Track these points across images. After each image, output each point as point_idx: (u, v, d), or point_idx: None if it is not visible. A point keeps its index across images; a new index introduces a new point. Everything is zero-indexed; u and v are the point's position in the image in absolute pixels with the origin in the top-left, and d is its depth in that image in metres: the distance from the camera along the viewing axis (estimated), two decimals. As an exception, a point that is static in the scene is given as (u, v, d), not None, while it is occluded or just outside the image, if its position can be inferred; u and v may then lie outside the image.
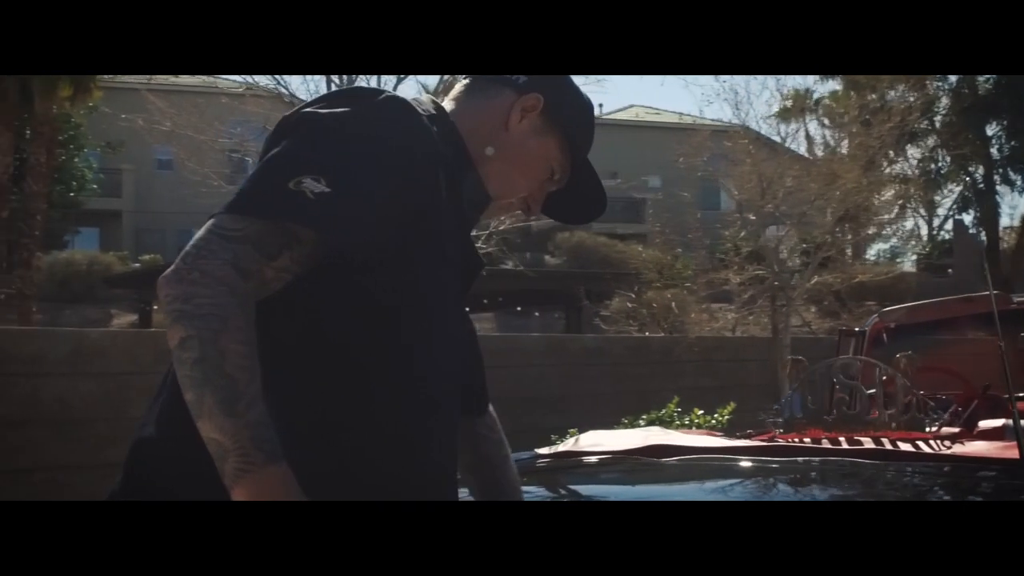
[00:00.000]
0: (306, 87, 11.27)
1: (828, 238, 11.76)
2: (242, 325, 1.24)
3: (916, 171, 25.61)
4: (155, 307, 15.63)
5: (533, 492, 2.23)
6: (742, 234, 12.32)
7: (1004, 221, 30.67)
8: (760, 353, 11.10)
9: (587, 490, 2.59)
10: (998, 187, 26.98)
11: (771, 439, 2.91)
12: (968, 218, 27.70)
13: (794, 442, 2.80)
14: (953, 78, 24.50)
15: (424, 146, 1.43)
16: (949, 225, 29.26)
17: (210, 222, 1.30)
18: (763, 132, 13.63)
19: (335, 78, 9.28)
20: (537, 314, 22.09)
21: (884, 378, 2.89)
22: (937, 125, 26.09)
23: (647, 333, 12.75)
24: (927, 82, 19.06)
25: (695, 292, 13.44)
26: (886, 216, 17.11)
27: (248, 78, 10.79)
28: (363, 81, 9.46)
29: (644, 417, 7.22)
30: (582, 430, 3.21)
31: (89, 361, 6.55)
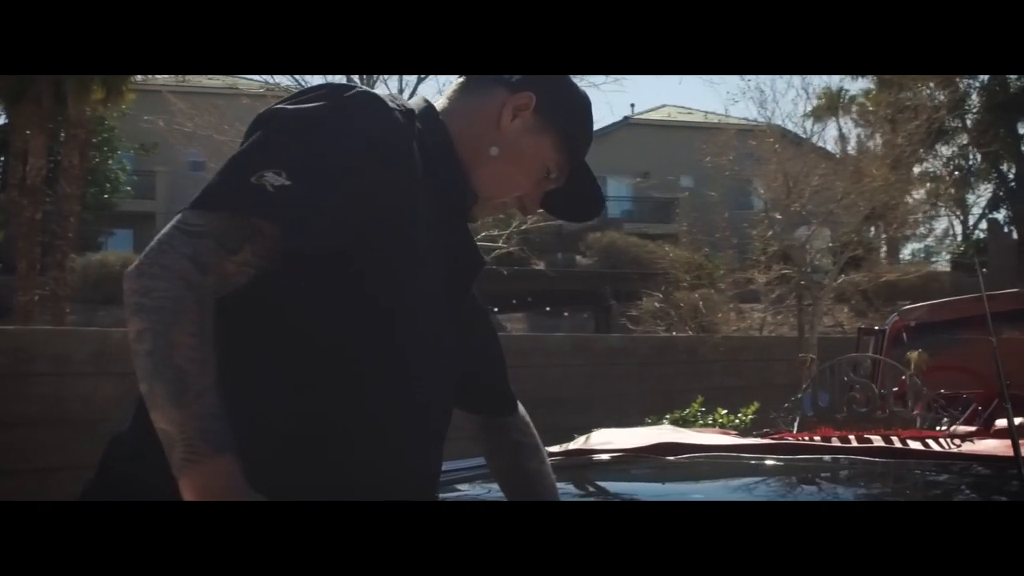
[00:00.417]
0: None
1: (854, 237, 11.67)
2: (195, 318, 1.25)
3: (947, 169, 25.38)
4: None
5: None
6: (769, 233, 12.26)
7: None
8: (787, 353, 11.03)
9: (593, 488, 2.59)
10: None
11: (781, 437, 2.90)
12: (1000, 216, 27.44)
13: (804, 440, 2.79)
14: (984, 76, 24.25)
15: (393, 141, 1.43)
16: (984, 224, 28.99)
17: (175, 218, 1.32)
18: (792, 131, 13.56)
19: (356, 78, 9.28)
20: (566, 314, 22.09)
21: (899, 376, 2.88)
22: (968, 123, 25.84)
23: (674, 333, 12.70)
24: (957, 80, 18.86)
25: (723, 292, 13.38)
26: (919, 215, 16.95)
27: (269, 78, 10.84)
28: (382, 81, 9.48)
29: (668, 417, 7.21)
30: (603, 430, 3.20)
31: (113, 361, 6.59)
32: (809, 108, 15.47)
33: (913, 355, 2.91)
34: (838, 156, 14.14)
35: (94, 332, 7.79)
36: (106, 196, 24.47)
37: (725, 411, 7.23)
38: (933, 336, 4.31)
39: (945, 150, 25.66)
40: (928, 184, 18.16)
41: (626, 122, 33.67)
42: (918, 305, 4.88)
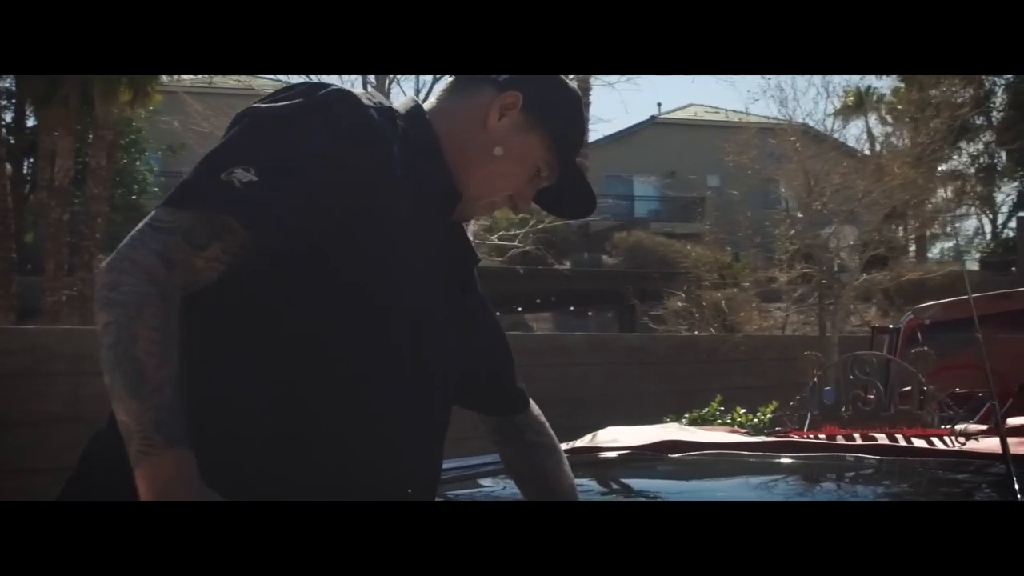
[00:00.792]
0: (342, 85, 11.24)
1: (876, 236, 11.60)
2: (157, 313, 1.27)
3: (972, 167, 25.16)
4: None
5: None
6: (791, 232, 12.20)
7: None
8: (841, 353, 10.96)
9: (597, 486, 2.60)
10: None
11: (787, 435, 2.90)
12: (1025, 214, 27.15)
13: (809, 438, 2.78)
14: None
15: (365, 138, 1.44)
16: (1014, 223, 28.72)
17: (149, 214, 1.35)
18: (814, 128, 13.48)
19: (371, 78, 9.31)
20: (590, 314, 22.08)
21: (906, 375, 2.86)
22: (993, 121, 25.60)
23: (696, 332, 12.67)
24: (982, 77, 18.70)
25: (746, 291, 13.32)
26: (947, 214, 16.82)
27: (284, 78, 10.88)
28: (397, 82, 9.49)
29: (686, 416, 7.20)
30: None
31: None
32: (831, 107, 15.39)
33: (917, 353, 2.89)
34: (859, 154, 14.03)
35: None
36: (134, 197, 24.62)
37: (744, 410, 7.20)
38: (948, 334, 4.29)
39: (970, 148, 25.42)
40: (954, 182, 17.99)
41: (652, 121, 33.58)
42: (932, 303, 4.85)
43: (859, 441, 2.67)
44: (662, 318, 14.19)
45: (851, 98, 22.04)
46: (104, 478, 1.30)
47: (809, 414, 2.94)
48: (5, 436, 6.40)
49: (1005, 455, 1.68)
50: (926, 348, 2.92)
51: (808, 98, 25.20)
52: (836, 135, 13.83)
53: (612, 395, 9.06)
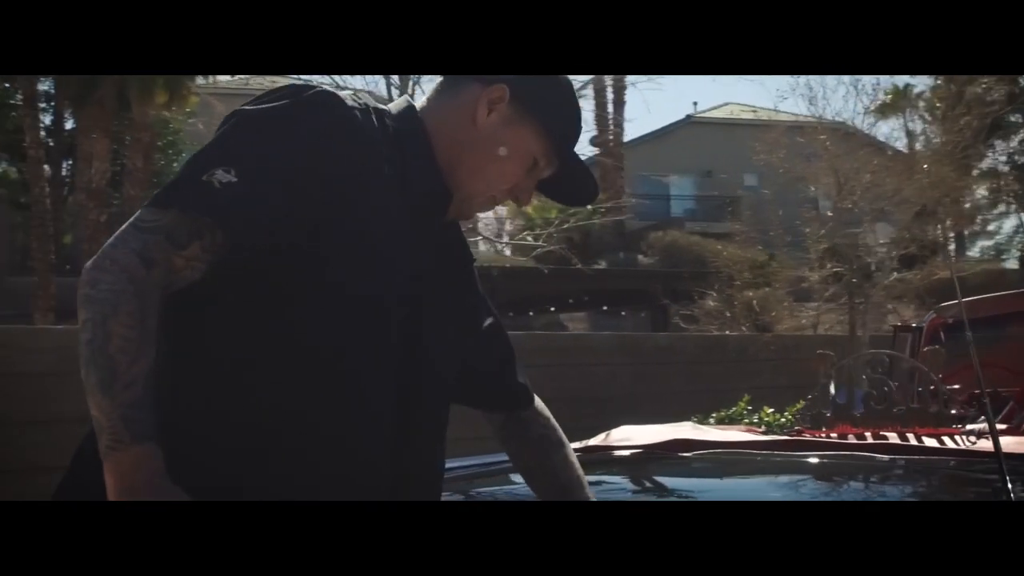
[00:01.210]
0: (367, 87, 11.26)
1: (906, 234, 11.49)
2: (132, 311, 1.30)
3: (1007, 165, 24.82)
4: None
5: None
6: (821, 232, 12.12)
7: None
8: (840, 352, 10.86)
9: (606, 485, 2.61)
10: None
11: (799, 434, 2.90)
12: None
13: (820, 437, 2.78)
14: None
15: (345, 138, 1.45)
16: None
17: (135, 215, 1.39)
18: (845, 125, 13.36)
19: (394, 78, 9.33)
20: (623, 313, 22.01)
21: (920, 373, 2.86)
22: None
23: (727, 332, 12.60)
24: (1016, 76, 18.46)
25: (779, 290, 13.24)
26: (982, 211, 16.63)
27: (308, 78, 10.88)
28: (419, 84, 9.45)
29: (713, 416, 7.16)
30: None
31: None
32: (860, 105, 15.26)
33: (930, 351, 2.88)
34: (890, 152, 13.90)
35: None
36: (171, 198, 24.78)
37: (771, 410, 7.15)
38: (972, 333, 4.24)
39: (1004, 146, 25.07)
40: (989, 180, 17.78)
41: (688, 120, 33.42)
42: (955, 302, 4.79)
43: (870, 440, 2.67)
44: (693, 317, 14.13)
45: (889, 95, 21.80)
46: (97, 475, 1.32)
47: (822, 413, 2.94)
48: (35, 435, 6.49)
49: (997, 454, 1.68)
50: (937, 347, 2.90)
51: (838, 96, 24.88)
52: (870, 131, 13.69)
53: (640, 395, 9.04)
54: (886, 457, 2.50)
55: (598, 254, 24.28)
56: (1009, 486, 1.71)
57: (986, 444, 2.54)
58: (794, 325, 12.94)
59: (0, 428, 6.51)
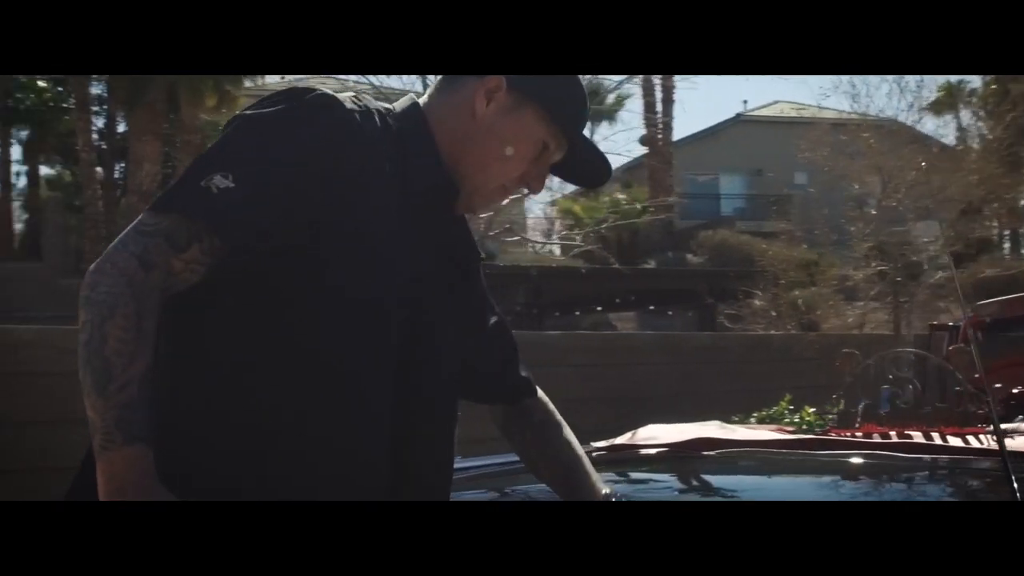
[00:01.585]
0: (403, 87, 11.17)
1: (951, 232, 11.34)
2: (129, 313, 1.33)
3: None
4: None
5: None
6: (867, 231, 11.99)
7: None
8: (885, 350, 10.73)
9: (630, 483, 2.62)
10: None
11: (826, 433, 2.89)
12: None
13: (847, 436, 2.77)
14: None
15: (344, 140, 1.47)
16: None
17: (137, 218, 1.42)
18: (890, 123, 13.21)
19: (430, 78, 9.32)
20: (670, 313, 21.90)
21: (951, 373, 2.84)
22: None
23: (772, 331, 12.50)
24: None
25: (824, 289, 13.12)
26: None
27: (346, 79, 10.92)
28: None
29: (754, 415, 7.11)
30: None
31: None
32: (903, 102, 15.02)
33: (956, 350, 2.86)
34: (935, 149, 13.71)
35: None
36: (221, 200, 24.99)
37: (813, 409, 7.08)
38: (1008, 331, 4.21)
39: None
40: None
41: (738, 119, 33.21)
42: (992, 300, 4.75)
43: (895, 439, 2.66)
44: (739, 317, 14.04)
45: (941, 92, 21.50)
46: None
47: (848, 411, 2.92)
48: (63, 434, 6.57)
49: (1002, 454, 1.68)
50: (963, 345, 2.88)
51: (881, 93, 24.44)
52: (915, 126, 13.52)
53: (682, 394, 8.99)
54: (911, 457, 2.48)
55: (647, 253, 24.16)
56: (1015, 485, 1.70)
57: (1011, 443, 2.52)
58: (840, 324, 12.81)
59: (57, 427, 6.62)
